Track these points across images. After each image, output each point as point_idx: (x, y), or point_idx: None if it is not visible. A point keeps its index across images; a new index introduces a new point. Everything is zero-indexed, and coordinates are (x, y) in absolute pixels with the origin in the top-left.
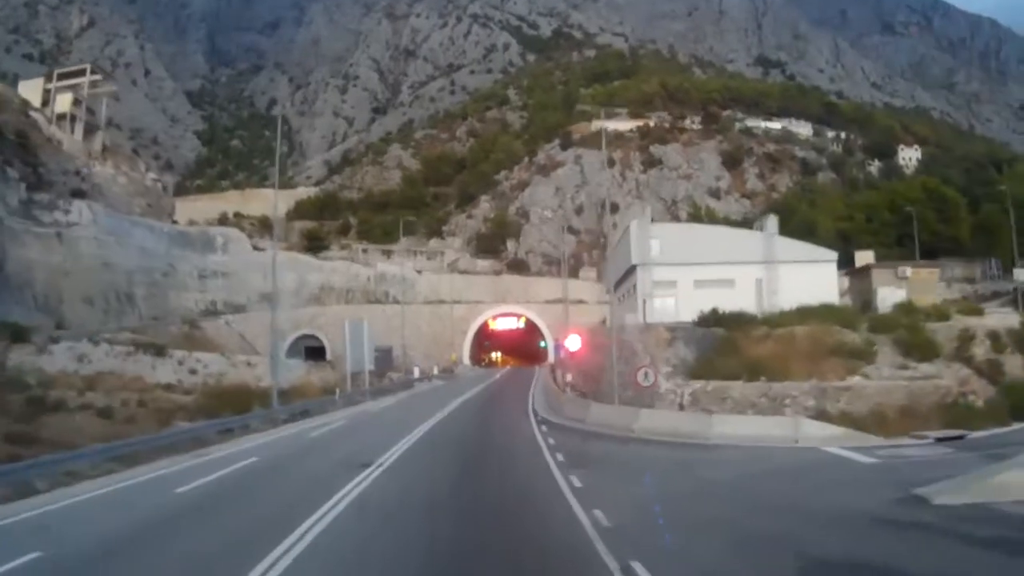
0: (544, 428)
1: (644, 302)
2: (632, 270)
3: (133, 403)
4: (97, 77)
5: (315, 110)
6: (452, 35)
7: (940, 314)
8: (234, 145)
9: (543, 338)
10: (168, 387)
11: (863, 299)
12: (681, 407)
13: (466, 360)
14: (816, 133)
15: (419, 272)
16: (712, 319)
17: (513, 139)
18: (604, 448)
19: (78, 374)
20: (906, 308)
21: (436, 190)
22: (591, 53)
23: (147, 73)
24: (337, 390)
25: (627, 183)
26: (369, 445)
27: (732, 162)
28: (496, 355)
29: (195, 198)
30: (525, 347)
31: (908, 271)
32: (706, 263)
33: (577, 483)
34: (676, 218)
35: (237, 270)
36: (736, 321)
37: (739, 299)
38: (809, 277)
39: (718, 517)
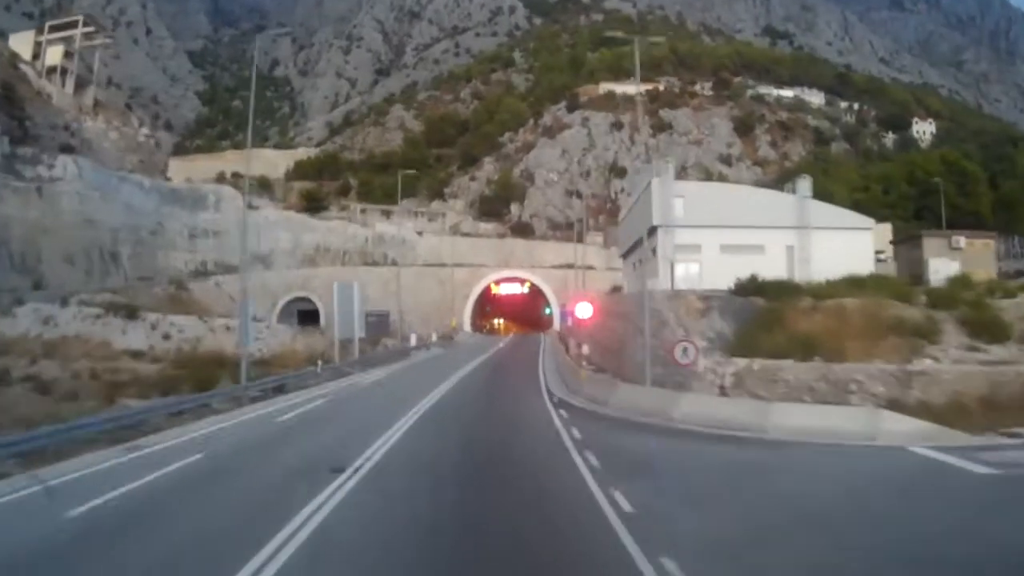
0: (564, 414)
1: (672, 266)
2: (652, 232)
3: (86, 374)
4: (90, 29)
5: (317, 71)
6: None
7: (1005, 290)
8: (235, 105)
9: (548, 304)
10: (136, 354)
11: (911, 271)
12: (722, 390)
13: (467, 327)
14: (828, 103)
15: (419, 234)
16: (751, 287)
17: (518, 101)
18: (644, 444)
19: (41, 338)
20: (962, 282)
21: (439, 152)
22: (599, 17)
23: (148, 32)
24: (319, 361)
25: (635, 147)
26: (346, 437)
27: (744, 129)
28: (499, 322)
29: (193, 158)
30: (529, 314)
31: (962, 241)
32: (734, 227)
33: (626, 505)
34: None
35: (229, 229)
36: (780, 290)
37: (768, 266)
38: (843, 245)
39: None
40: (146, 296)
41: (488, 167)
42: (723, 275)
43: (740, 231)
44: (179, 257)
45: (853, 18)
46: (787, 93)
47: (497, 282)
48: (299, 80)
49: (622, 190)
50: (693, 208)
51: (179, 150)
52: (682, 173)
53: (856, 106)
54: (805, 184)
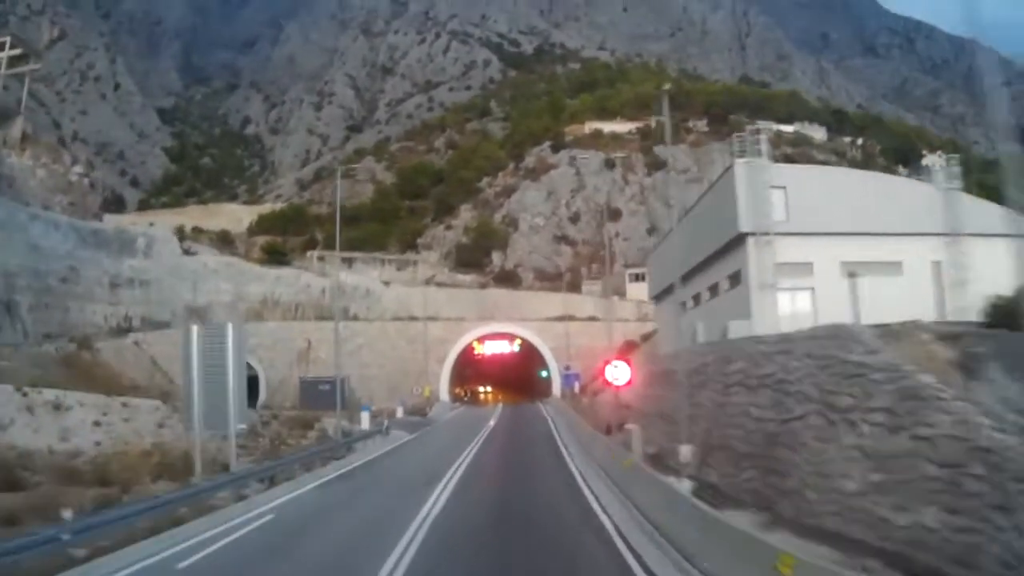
0: None
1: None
2: (735, 244)
3: None
4: (17, 52)
5: (289, 128)
6: (430, 51)
7: None
8: (204, 163)
9: (544, 366)
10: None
11: None
12: None
13: (444, 394)
14: (830, 138)
15: (386, 284)
16: None
17: (496, 147)
18: None
19: None
20: None
21: (412, 204)
22: (576, 66)
23: (117, 87)
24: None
25: (630, 187)
26: None
27: None
28: (484, 390)
29: (155, 212)
30: (520, 377)
31: None
32: (857, 234)
33: None
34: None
35: (161, 278)
36: None
37: (908, 293)
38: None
39: None
40: (37, 359)
41: (465, 215)
42: (845, 309)
43: (867, 241)
44: (97, 310)
45: (829, 66)
46: (787, 128)
47: (480, 339)
48: (270, 138)
49: (617, 234)
50: (799, 207)
51: (144, 207)
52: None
53: (859, 141)
54: (945, 170)
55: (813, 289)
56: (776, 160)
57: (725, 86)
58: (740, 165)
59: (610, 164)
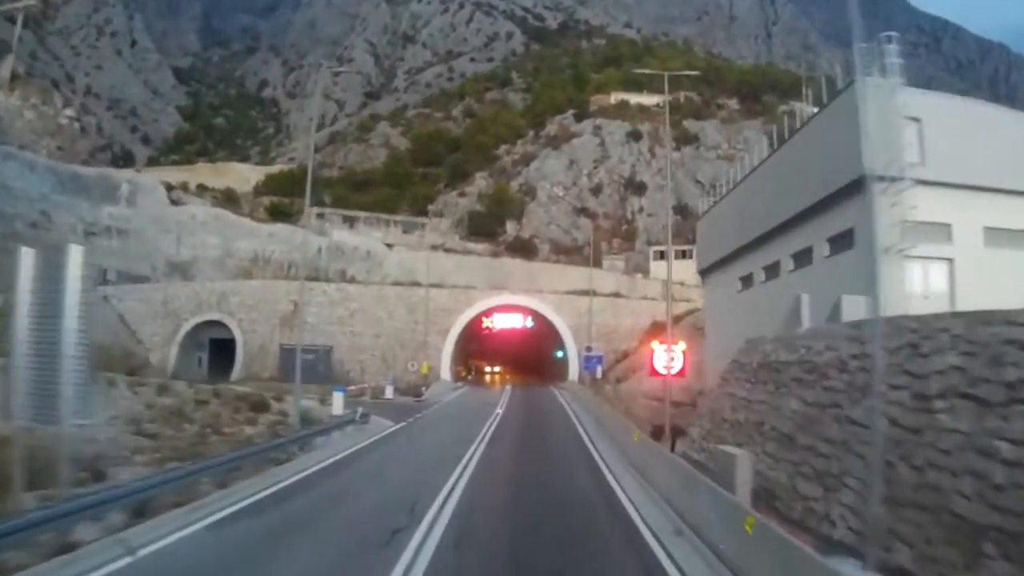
0: None
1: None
2: (846, 194)
3: None
4: None
5: (306, 92)
6: (453, 21)
7: None
8: (217, 123)
9: (560, 345)
10: None
11: None
12: None
13: (445, 372)
14: None
15: (389, 246)
16: None
17: (516, 116)
18: None
19: None
20: None
21: (425, 171)
22: (601, 42)
23: (134, 44)
24: None
25: (656, 160)
26: None
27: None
28: (492, 370)
29: (163, 169)
30: (532, 357)
31: None
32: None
33: None
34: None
35: (143, 229)
36: None
37: None
38: None
39: None
40: None
41: (480, 183)
42: (991, 286)
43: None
44: None
45: (855, 60)
46: None
47: (489, 312)
48: (287, 102)
49: (640, 209)
50: (938, 149)
51: (153, 163)
52: (713, 192)
53: None
54: None
55: (951, 260)
56: None
57: (756, 66)
58: (867, 85)
59: (635, 136)
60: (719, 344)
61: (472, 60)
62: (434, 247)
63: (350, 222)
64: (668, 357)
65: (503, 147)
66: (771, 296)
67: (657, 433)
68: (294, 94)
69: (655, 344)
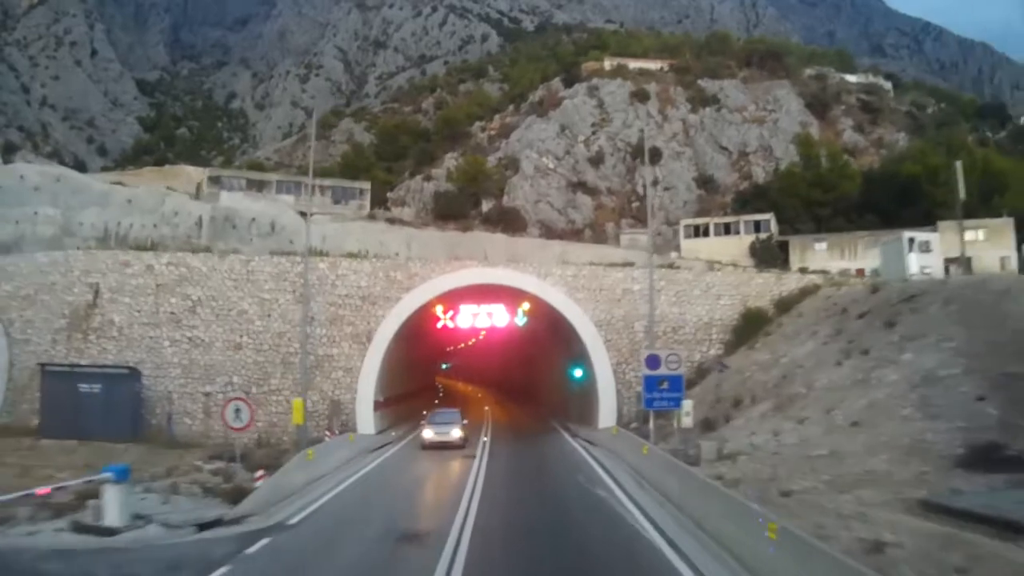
0: None
1: None
2: None
3: None
4: None
5: (273, 100)
6: (426, 25)
7: None
8: (180, 134)
9: (579, 357)
10: None
11: None
12: None
13: (364, 411)
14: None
15: (303, 215)
16: None
17: (492, 97)
18: None
19: None
20: None
21: (389, 164)
22: (583, 35)
23: (94, 53)
24: None
25: (670, 123)
26: None
27: (819, 107)
28: (446, 411)
29: (106, 174)
30: (523, 378)
31: None
32: None
33: None
34: (747, 174)
35: None
36: None
37: None
38: None
39: None
40: None
41: (450, 164)
42: None
43: None
44: None
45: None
46: (851, 78)
47: (449, 300)
48: (255, 113)
49: (655, 182)
50: None
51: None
52: (741, 161)
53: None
54: None
55: None
56: (847, 106)
57: (763, 38)
58: None
59: (641, 96)
60: None
61: (446, 63)
62: (371, 216)
63: (257, 186)
64: None
65: (477, 124)
66: None
67: None
68: (263, 105)
69: None
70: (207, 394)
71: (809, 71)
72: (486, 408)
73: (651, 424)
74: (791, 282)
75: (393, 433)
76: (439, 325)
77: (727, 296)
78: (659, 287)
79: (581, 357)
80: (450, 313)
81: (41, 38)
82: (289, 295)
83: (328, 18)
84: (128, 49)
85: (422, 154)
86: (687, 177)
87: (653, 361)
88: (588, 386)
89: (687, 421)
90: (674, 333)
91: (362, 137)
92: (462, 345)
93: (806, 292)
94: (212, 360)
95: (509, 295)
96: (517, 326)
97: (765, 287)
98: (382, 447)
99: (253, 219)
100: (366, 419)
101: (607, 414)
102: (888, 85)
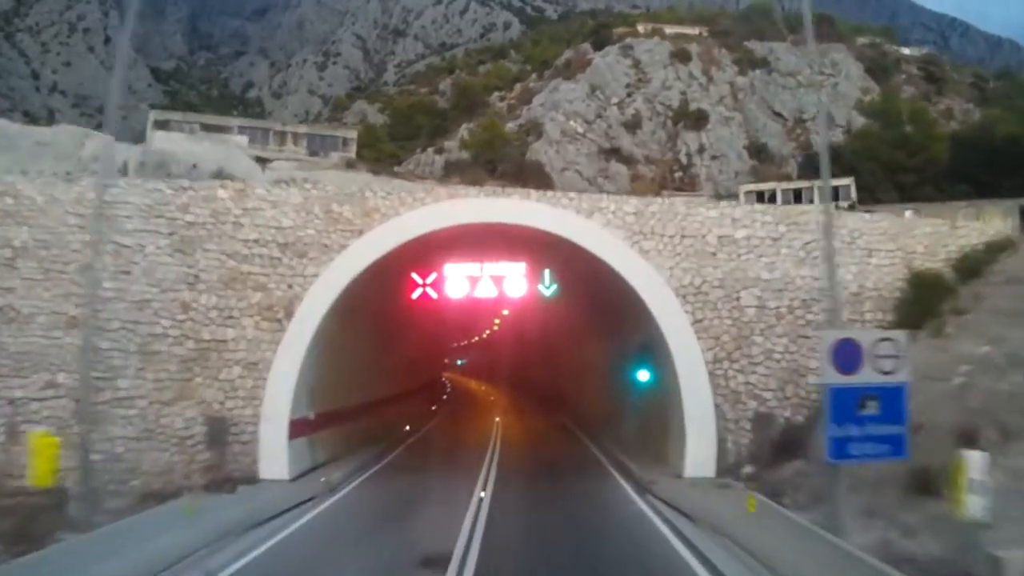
0: None
1: None
2: None
3: None
4: None
5: (290, 88)
6: (447, 13)
7: None
8: None
9: (650, 349)
10: None
11: None
12: None
13: (273, 434)
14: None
15: (260, 160)
16: None
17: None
18: None
19: None
20: None
21: (404, 144)
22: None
23: (107, 40)
24: None
25: (716, 86)
26: None
27: (880, 73)
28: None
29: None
30: (542, 374)
31: None
32: None
33: None
34: (806, 144)
35: None
36: None
37: None
38: None
39: None
40: None
41: (464, 134)
42: None
43: None
44: None
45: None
46: (905, 51)
47: (427, 260)
48: (272, 102)
49: (701, 149)
50: None
51: None
52: (797, 128)
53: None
54: None
55: None
56: (907, 75)
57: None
58: None
59: (682, 57)
60: None
61: (467, 51)
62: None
63: (219, 130)
64: None
65: (496, 94)
66: None
67: None
68: (280, 94)
69: None
70: (13, 401)
71: (862, 40)
72: (496, 420)
73: (839, 491)
74: (971, 235)
75: (336, 474)
76: (415, 295)
77: (883, 252)
78: (777, 234)
79: (649, 348)
80: (432, 276)
81: (54, 24)
82: (164, 240)
83: (347, 6)
84: (145, 38)
85: (436, 129)
86: (737, 145)
87: (847, 353)
88: (663, 397)
89: (977, 506)
90: (802, 309)
91: (376, 119)
92: (486, 333)
93: (994, 249)
94: (28, 344)
95: (529, 247)
96: (542, 297)
97: (936, 240)
98: (281, 514)
99: (194, 165)
100: (275, 452)
101: (700, 449)
102: (945, 58)
